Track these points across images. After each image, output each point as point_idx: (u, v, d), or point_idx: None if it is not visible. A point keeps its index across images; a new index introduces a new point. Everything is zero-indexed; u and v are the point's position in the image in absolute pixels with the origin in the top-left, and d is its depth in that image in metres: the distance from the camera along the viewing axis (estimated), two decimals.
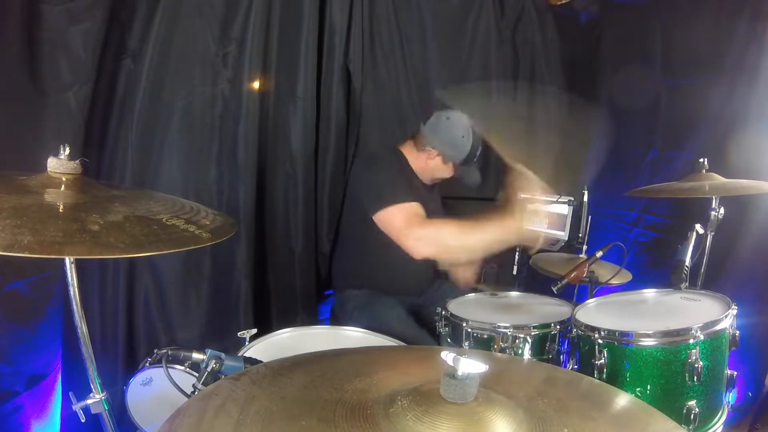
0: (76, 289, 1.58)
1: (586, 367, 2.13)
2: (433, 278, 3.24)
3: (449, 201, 3.55)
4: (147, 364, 2.12)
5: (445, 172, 3.03)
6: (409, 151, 3.05)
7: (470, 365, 1.06)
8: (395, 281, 3.01)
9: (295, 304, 3.54)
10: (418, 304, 3.06)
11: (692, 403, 1.92)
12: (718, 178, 2.59)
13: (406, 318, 2.81)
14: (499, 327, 2.37)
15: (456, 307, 2.66)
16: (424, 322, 2.84)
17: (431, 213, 2.84)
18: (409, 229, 2.54)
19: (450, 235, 2.48)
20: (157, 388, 2.09)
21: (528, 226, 2.45)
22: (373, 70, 3.75)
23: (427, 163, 2.99)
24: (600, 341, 2.05)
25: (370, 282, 3.00)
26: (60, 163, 1.55)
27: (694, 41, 3.29)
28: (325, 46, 3.51)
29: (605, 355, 2.03)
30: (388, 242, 2.67)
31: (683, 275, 2.39)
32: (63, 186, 1.54)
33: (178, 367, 2.00)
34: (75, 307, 1.59)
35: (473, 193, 4.02)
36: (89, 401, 1.64)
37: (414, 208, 2.66)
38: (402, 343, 2.33)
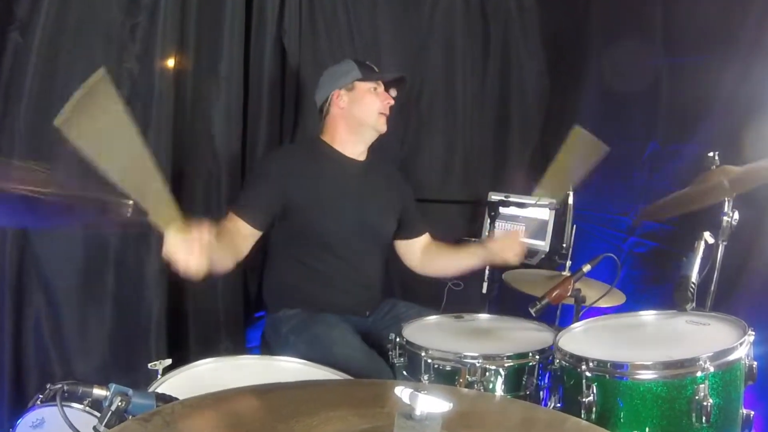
0: None
1: (571, 405, 2.12)
2: (383, 296, 3.24)
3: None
4: (38, 402, 2.12)
5: (371, 105, 2.97)
6: (326, 131, 3.08)
7: (430, 403, 1.07)
8: (334, 298, 3.01)
9: (218, 328, 3.58)
10: (366, 327, 3.05)
11: None
12: (734, 172, 2.56)
13: (353, 338, 2.80)
14: (465, 357, 2.37)
15: (413, 332, 2.65)
16: (375, 349, 2.81)
17: (362, 198, 3.03)
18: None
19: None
20: (51, 431, 2.09)
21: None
22: (312, 43, 3.84)
23: (342, 115, 2.99)
24: (588, 374, 2.05)
25: (306, 300, 2.99)
26: None
27: (702, 10, 3.32)
28: (254, 14, 3.60)
29: (594, 391, 2.03)
30: (318, 253, 2.95)
31: (689, 294, 2.40)
32: None
33: (75, 405, 2.00)
34: None
35: (442, 195, 4.05)
36: None
37: (235, 221, 2.78)
38: (348, 376, 2.31)
